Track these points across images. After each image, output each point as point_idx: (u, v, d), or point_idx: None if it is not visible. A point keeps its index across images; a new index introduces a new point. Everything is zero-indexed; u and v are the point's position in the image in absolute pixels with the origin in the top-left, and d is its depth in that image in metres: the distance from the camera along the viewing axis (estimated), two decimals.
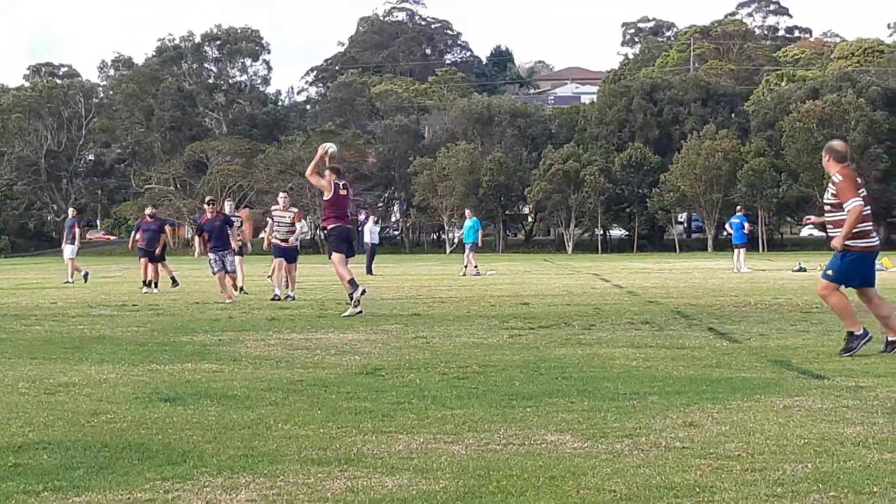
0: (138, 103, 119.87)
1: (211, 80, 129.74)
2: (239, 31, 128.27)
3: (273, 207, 26.45)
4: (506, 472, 6.61)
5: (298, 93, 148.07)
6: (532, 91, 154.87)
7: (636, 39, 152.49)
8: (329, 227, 20.06)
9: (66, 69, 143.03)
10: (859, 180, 13.12)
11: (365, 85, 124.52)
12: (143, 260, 30.85)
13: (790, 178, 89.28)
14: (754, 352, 13.16)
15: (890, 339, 12.88)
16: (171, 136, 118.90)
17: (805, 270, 39.95)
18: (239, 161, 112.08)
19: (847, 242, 12.76)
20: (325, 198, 19.97)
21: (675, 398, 9.42)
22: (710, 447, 7.31)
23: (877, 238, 13.24)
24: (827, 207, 13.17)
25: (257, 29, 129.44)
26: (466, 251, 42.90)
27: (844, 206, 12.76)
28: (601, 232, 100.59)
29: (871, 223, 12.99)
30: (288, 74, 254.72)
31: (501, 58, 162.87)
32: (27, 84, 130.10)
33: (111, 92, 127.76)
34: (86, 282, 34.72)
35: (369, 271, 42.23)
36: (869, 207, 12.94)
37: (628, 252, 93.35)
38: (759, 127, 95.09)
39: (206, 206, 26.13)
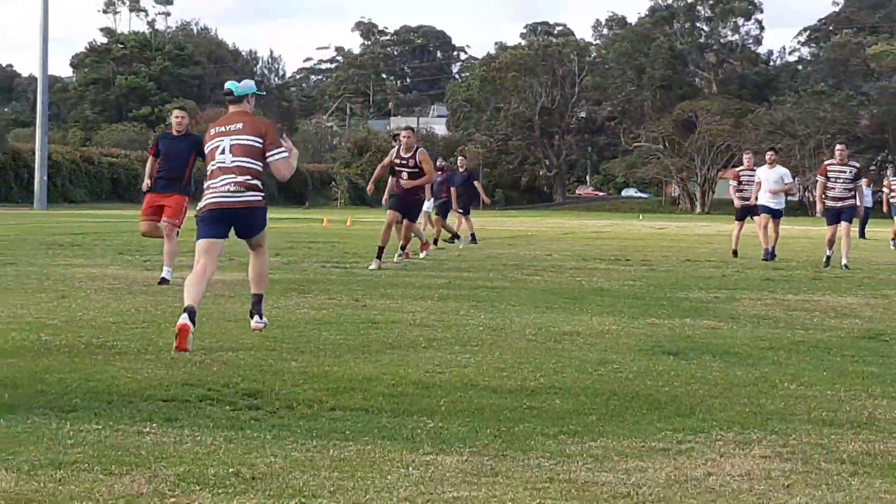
0: (630, 62, 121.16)
1: (702, 40, 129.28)
2: None
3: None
4: None
5: (790, 53, 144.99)
6: None
7: None
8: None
9: (560, 28, 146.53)
10: None
11: (860, 45, 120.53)
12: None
13: None
14: None
15: None
16: (660, 94, 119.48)
17: None
18: (728, 121, 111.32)
19: None
20: None
21: None
22: None
23: None
24: None
25: None
26: None
27: None
28: None
29: None
30: (780, 34, 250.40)
31: None
32: (524, 42, 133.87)
33: (604, 51, 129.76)
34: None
35: (862, 235, 40.94)
36: None
37: None
38: None
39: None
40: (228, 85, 10.49)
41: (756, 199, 24.67)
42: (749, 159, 26.69)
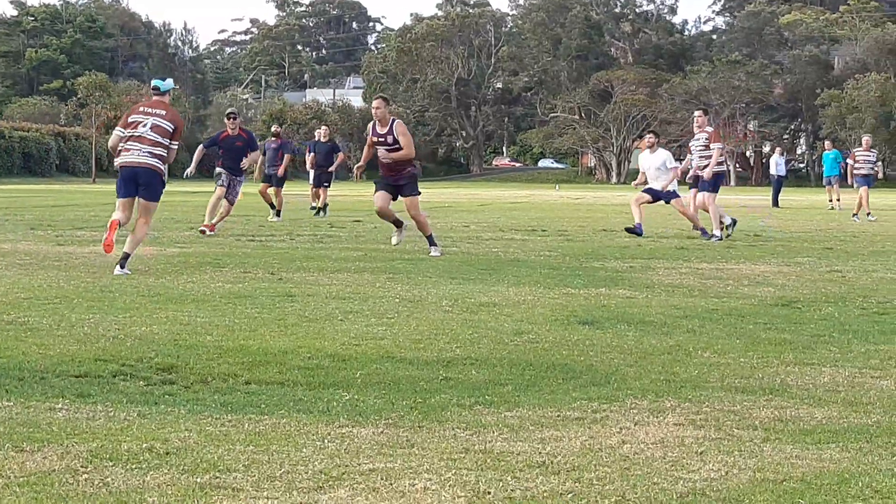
0: (546, 32, 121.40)
1: (618, 10, 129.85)
2: None
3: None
4: None
5: (705, 22, 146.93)
6: None
7: None
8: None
9: None
10: None
11: (774, 14, 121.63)
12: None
13: None
14: None
15: None
16: (577, 64, 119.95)
17: None
18: (643, 91, 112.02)
19: None
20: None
21: None
22: None
23: None
24: None
25: None
26: (829, 187, 41.30)
27: None
28: None
29: None
30: (695, 3, 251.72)
31: None
32: (440, 13, 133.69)
33: (520, 21, 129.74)
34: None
35: (775, 203, 41.46)
36: None
37: None
38: None
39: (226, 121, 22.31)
40: (155, 82, 14.37)
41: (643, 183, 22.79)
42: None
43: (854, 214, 30.59)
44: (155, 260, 14.85)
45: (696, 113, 22.91)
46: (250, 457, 5.23)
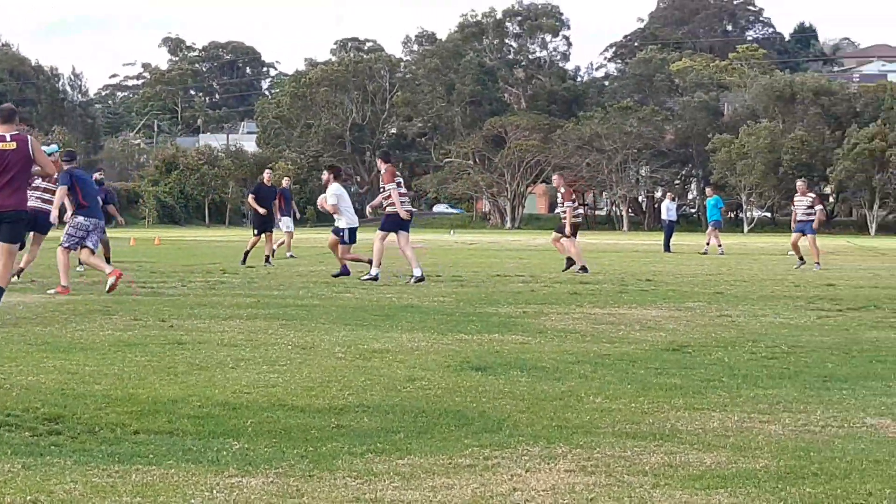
0: (440, 78, 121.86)
1: (511, 56, 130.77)
2: (539, 6, 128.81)
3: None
4: (827, 454, 6.48)
5: (597, 69, 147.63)
6: (836, 69, 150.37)
7: None
8: None
9: (371, 44, 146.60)
10: None
11: (664, 61, 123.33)
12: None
13: None
14: None
15: None
16: (470, 110, 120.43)
17: None
18: (537, 136, 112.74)
19: None
20: None
21: None
22: None
23: None
24: None
25: (557, 5, 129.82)
26: (710, 230, 42.71)
27: None
28: None
29: None
30: (587, 51, 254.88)
31: (805, 35, 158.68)
32: (334, 58, 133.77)
33: (414, 66, 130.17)
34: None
35: (667, 248, 41.92)
36: None
37: None
38: None
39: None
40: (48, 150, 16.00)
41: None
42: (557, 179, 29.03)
43: (816, 263, 29.35)
44: (42, 308, 14.61)
45: (554, 176, 30.46)
46: None
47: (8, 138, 12.95)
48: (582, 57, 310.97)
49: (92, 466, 5.94)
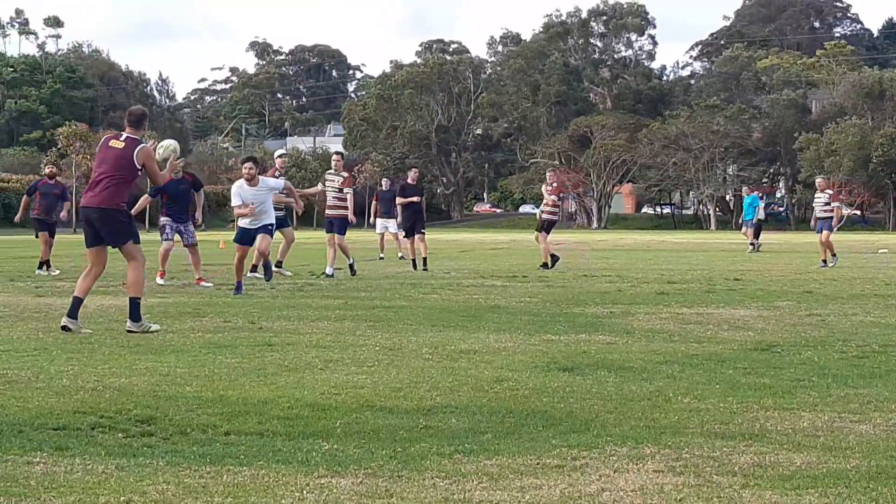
0: (525, 78, 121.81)
1: (596, 56, 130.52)
2: (625, 6, 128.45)
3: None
4: None
5: (683, 67, 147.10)
6: None
7: None
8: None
9: (455, 45, 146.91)
10: None
11: (751, 59, 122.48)
12: (41, 234, 24.40)
13: None
14: None
15: None
16: (556, 110, 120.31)
17: None
18: (623, 136, 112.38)
19: None
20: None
21: None
22: None
23: None
24: None
25: (643, 4, 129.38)
26: (745, 228, 42.76)
27: None
28: None
29: None
30: (673, 49, 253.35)
31: (894, 30, 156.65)
32: (419, 60, 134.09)
33: (499, 67, 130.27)
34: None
35: (754, 248, 41.56)
36: None
37: None
38: None
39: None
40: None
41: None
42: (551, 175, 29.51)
43: (822, 261, 29.32)
44: None
45: (548, 171, 31.16)
46: None
47: (122, 138, 12.96)
48: (668, 56, 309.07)
49: (184, 467, 6.02)
